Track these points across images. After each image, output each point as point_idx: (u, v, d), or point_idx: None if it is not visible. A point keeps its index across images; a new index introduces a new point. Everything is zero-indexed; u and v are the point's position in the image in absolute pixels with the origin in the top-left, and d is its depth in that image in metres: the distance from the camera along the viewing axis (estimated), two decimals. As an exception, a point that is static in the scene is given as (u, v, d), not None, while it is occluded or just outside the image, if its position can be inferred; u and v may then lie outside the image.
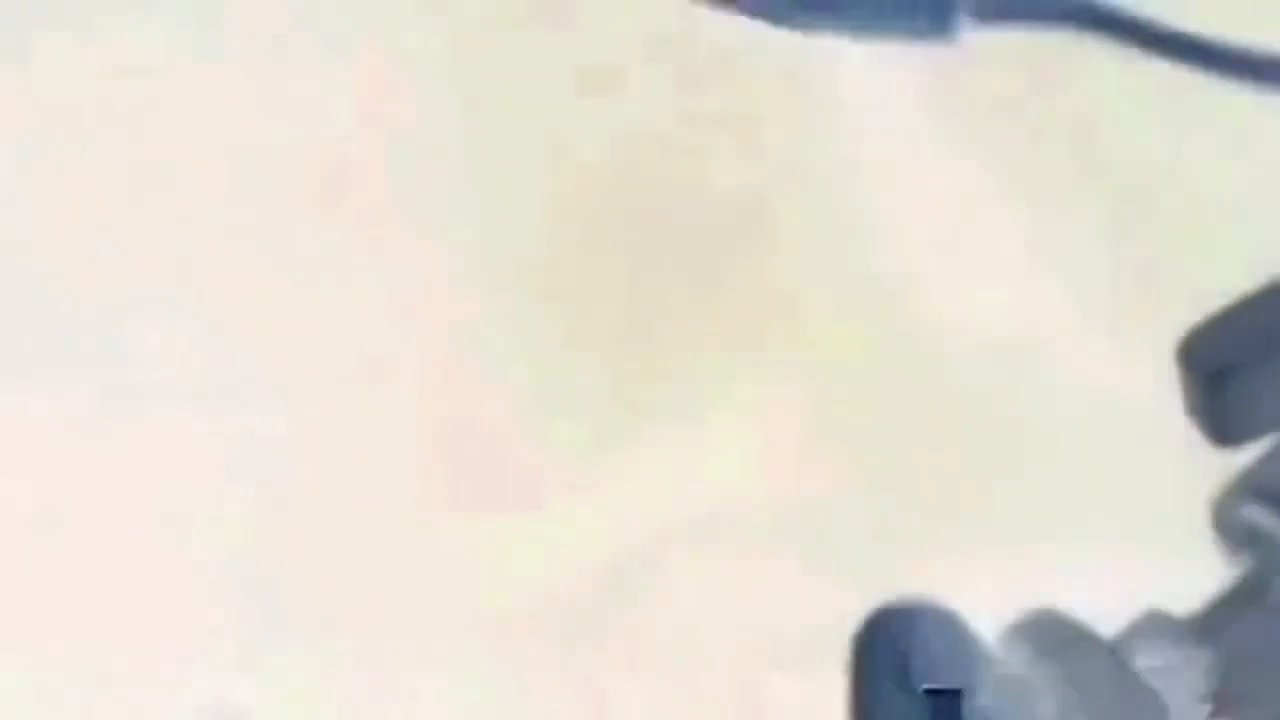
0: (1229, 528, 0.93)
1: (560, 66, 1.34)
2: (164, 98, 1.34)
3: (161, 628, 1.14)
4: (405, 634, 1.13)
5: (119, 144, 1.33)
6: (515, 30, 1.36)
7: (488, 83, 1.35)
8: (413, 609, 1.14)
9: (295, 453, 1.20)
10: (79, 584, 1.16)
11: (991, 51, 1.32)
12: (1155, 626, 0.93)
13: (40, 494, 1.20)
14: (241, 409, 1.22)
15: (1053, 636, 0.93)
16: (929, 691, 0.88)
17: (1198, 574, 0.95)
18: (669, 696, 1.09)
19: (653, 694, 1.09)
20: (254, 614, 1.14)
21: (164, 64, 1.36)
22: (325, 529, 1.17)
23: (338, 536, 1.17)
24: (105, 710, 1.12)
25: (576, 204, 1.29)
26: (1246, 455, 0.94)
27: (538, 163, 1.31)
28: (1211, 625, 0.92)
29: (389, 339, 1.25)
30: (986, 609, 0.99)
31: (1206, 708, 0.92)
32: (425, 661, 1.12)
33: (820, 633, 0.98)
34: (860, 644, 0.95)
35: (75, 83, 1.35)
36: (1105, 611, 0.99)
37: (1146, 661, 0.92)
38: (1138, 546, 1.09)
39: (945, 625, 0.95)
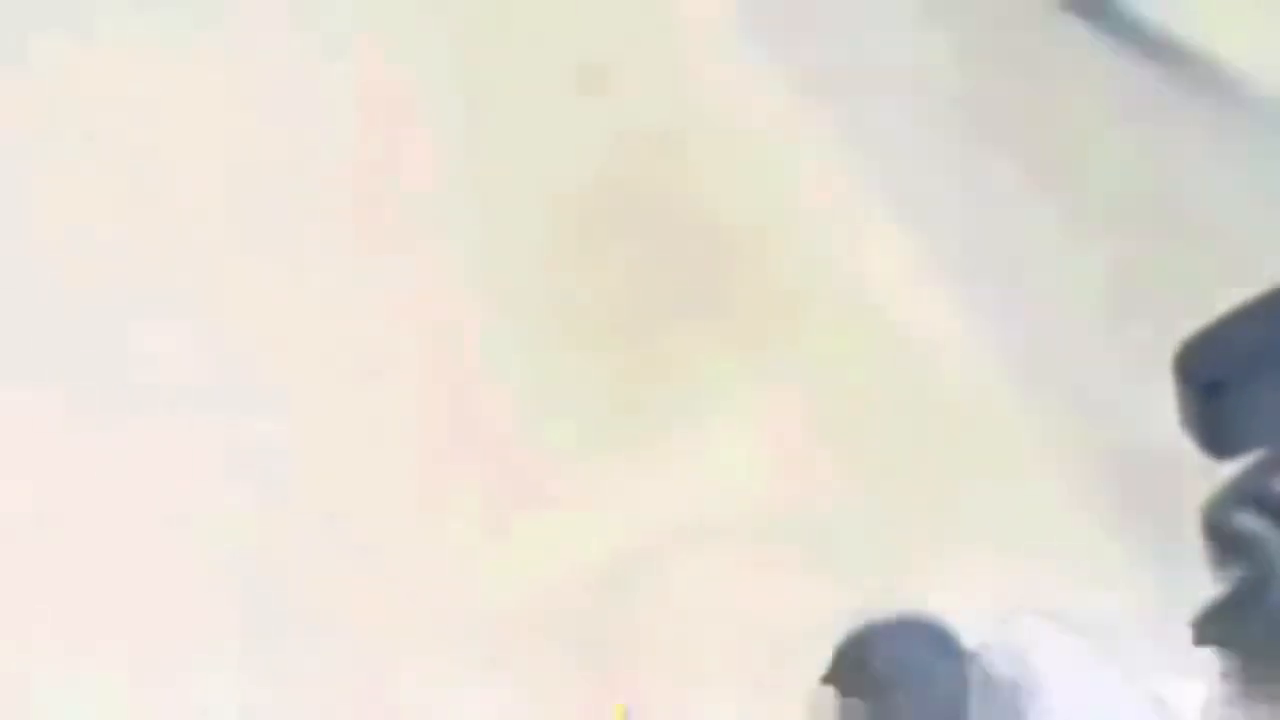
0: (1219, 535, 0.94)
1: (560, 66, 1.35)
2: (164, 98, 1.35)
3: (163, 627, 1.15)
4: (405, 634, 1.13)
5: (119, 144, 1.33)
6: (515, 30, 1.37)
7: (488, 83, 1.35)
8: (413, 609, 1.14)
9: (295, 453, 1.20)
10: (79, 584, 1.16)
11: (989, 54, 1.33)
12: (1156, 626, 0.94)
13: (40, 494, 1.20)
14: (241, 409, 1.22)
15: (1039, 638, 0.94)
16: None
17: (1194, 577, 0.95)
18: (669, 696, 1.09)
19: (653, 694, 1.09)
20: (254, 614, 1.15)
21: (164, 64, 1.36)
22: (325, 529, 1.17)
23: (338, 537, 1.17)
24: (105, 709, 1.12)
25: (577, 205, 1.29)
26: (1232, 464, 0.94)
27: (538, 162, 1.31)
28: (1211, 628, 0.92)
29: (389, 339, 1.25)
30: (983, 609, 1.00)
31: (1207, 707, 0.92)
32: (425, 661, 1.12)
33: (820, 632, 0.99)
34: (840, 662, 0.97)
35: (75, 83, 1.35)
36: (1101, 611, 0.99)
37: (1148, 661, 0.93)
38: (1135, 548, 1.09)
39: (926, 636, 0.96)
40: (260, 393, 1.23)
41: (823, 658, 0.99)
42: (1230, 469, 0.93)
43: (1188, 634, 0.93)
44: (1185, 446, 0.91)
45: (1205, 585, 0.94)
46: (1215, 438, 0.90)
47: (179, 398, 1.23)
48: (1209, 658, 0.92)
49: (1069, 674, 0.94)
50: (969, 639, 0.96)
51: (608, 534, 1.15)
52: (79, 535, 1.18)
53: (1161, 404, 0.91)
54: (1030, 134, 1.29)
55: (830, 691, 0.98)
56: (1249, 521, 0.92)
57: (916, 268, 1.24)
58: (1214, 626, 0.91)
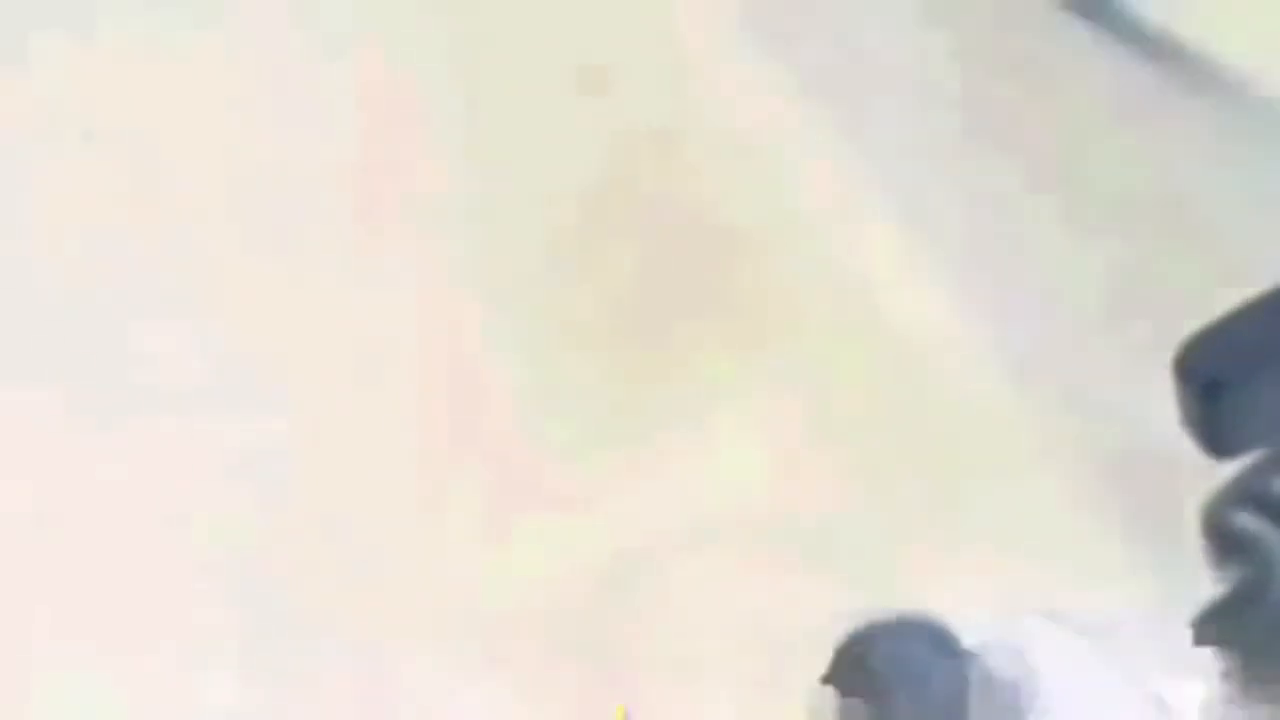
0: (1218, 534, 0.94)
1: (560, 66, 1.35)
2: (164, 98, 1.35)
3: (162, 627, 1.15)
4: (405, 634, 1.13)
5: (119, 144, 1.33)
6: (515, 30, 1.37)
7: (488, 83, 1.35)
8: (413, 609, 1.14)
9: (295, 453, 1.20)
10: (79, 584, 1.16)
11: (989, 54, 1.33)
12: (1156, 626, 0.94)
13: (40, 494, 1.20)
14: (241, 409, 1.22)
15: (1039, 638, 0.94)
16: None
17: (1194, 577, 0.95)
18: (669, 696, 1.09)
19: (653, 694, 1.09)
20: (253, 614, 1.15)
21: (164, 64, 1.36)
22: (325, 529, 1.17)
23: (338, 536, 1.17)
24: (105, 709, 1.12)
25: (577, 205, 1.29)
26: (1232, 464, 0.94)
27: (537, 162, 1.31)
28: (1211, 628, 0.92)
29: (389, 339, 1.25)
30: (982, 609, 0.99)
31: (1207, 707, 0.92)
32: (425, 661, 1.12)
33: (820, 632, 0.99)
34: (840, 661, 0.97)
35: (75, 83, 1.35)
36: (1101, 611, 0.99)
37: (1148, 661, 0.93)
38: (1135, 548, 1.09)
39: (926, 636, 0.96)
40: (260, 393, 1.23)
41: (823, 658, 0.99)
42: (1230, 469, 0.94)
43: (1188, 634, 0.93)
44: (1185, 446, 0.91)
45: (1205, 585, 0.94)
46: (1215, 438, 0.90)
47: (179, 398, 1.23)
48: (1209, 658, 0.92)
49: (1069, 674, 0.94)
50: (969, 639, 0.96)
51: (608, 534, 1.15)
52: (79, 535, 1.18)
53: (1161, 404, 0.91)
54: (1030, 134, 1.29)
55: (830, 691, 0.98)
56: (1248, 521, 0.93)
57: (916, 268, 1.24)
58: (1214, 626, 0.91)
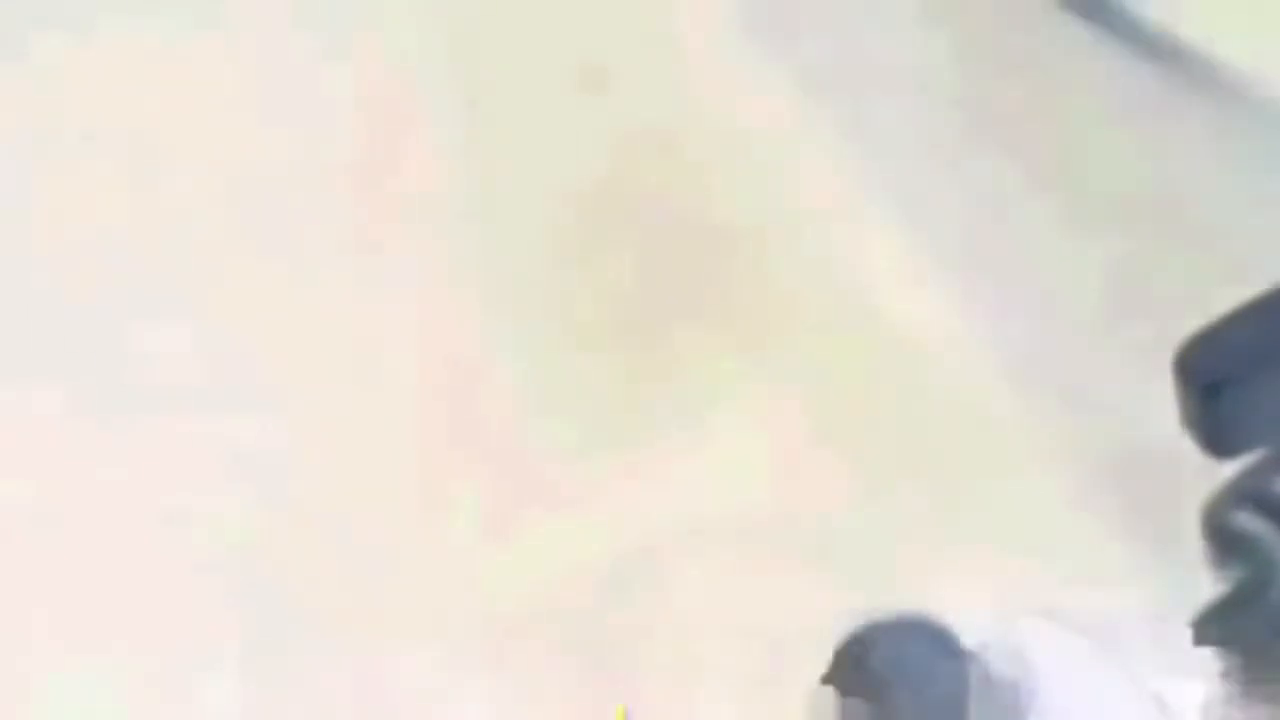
0: (1219, 534, 0.94)
1: (560, 66, 1.35)
2: (164, 97, 1.35)
3: (162, 627, 1.15)
4: (405, 634, 1.13)
5: (119, 144, 1.33)
6: (515, 30, 1.37)
7: (488, 83, 1.35)
8: (413, 609, 1.14)
9: (295, 453, 1.20)
10: (79, 584, 1.16)
11: (989, 54, 1.33)
12: (1156, 626, 0.94)
13: (40, 493, 1.20)
14: (241, 409, 1.22)
15: (1039, 638, 0.94)
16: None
17: (1194, 577, 0.95)
18: (669, 696, 1.09)
19: (653, 694, 1.09)
20: (253, 614, 1.15)
21: (164, 64, 1.36)
22: (325, 529, 1.17)
23: (337, 537, 1.17)
24: (104, 709, 1.12)
25: (577, 205, 1.30)
26: (1232, 464, 0.94)
27: (538, 163, 1.31)
28: (1211, 628, 0.92)
29: (389, 339, 1.25)
30: (983, 609, 1.00)
31: (1207, 707, 0.92)
32: (425, 661, 1.12)
33: (820, 632, 0.99)
34: (840, 662, 0.97)
35: (75, 83, 1.35)
36: (1101, 611, 0.99)
37: (1148, 661, 0.93)
38: (1135, 548, 1.09)
39: (926, 636, 0.96)
40: (260, 393, 1.23)
41: (823, 658, 0.99)
42: (1230, 469, 0.94)
43: (1188, 634, 0.93)
44: (1185, 446, 0.91)
45: (1205, 585, 0.94)
46: (1215, 438, 0.91)
47: (179, 398, 1.23)
48: (1209, 658, 0.92)
49: (1069, 674, 0.94)
50: (969, 639, 0.96)
51: (608, 534, 1.15)
52: (79, 535, 1.18)
53: (1161, 404, 0.92)
54: (1030, 134, 1.29)
55: (830, 691, 0.98)
56: (1249, 521, 0.93)
57: (916, 268, 1.25)
58: (1214, 626, 0.91)
